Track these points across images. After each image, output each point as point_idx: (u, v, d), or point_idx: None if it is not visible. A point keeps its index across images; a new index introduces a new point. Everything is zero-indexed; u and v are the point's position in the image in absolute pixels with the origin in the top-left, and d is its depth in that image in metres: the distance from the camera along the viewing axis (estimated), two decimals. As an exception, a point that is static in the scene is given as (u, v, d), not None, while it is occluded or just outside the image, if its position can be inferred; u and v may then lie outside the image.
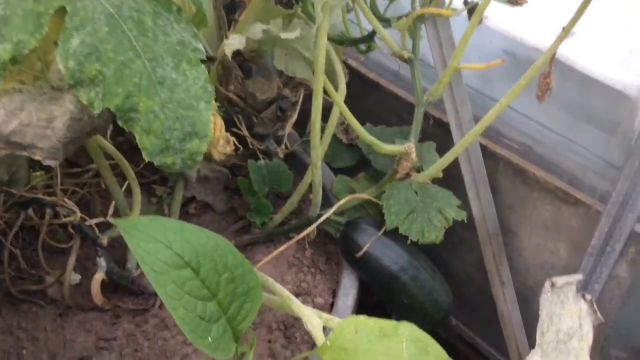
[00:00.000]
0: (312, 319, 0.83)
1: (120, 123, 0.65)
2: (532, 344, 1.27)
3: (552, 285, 0.76)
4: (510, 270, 1.22)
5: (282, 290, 0.89)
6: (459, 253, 1.35)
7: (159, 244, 0.69)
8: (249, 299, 0.78)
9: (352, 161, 1.23)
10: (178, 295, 0.69)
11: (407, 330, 0.79)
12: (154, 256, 0.68)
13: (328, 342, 0.79)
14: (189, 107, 0.66)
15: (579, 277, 0.80)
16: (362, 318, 0.80)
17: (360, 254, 0.99)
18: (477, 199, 1.16)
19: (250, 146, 1.21)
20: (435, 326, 1.02)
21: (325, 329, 0.85)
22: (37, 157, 0.64)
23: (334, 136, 1.25)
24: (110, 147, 0.94)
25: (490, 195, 1.16)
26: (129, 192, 1.02)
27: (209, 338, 0.72)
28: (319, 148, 0.92)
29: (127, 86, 0.63)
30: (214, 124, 1.04)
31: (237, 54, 1.13)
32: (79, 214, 0.93)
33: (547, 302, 0.75)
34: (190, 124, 0.67)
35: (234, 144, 1.11)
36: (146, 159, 0.66)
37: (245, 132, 1.20)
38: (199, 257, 0.73)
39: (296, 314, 0.87)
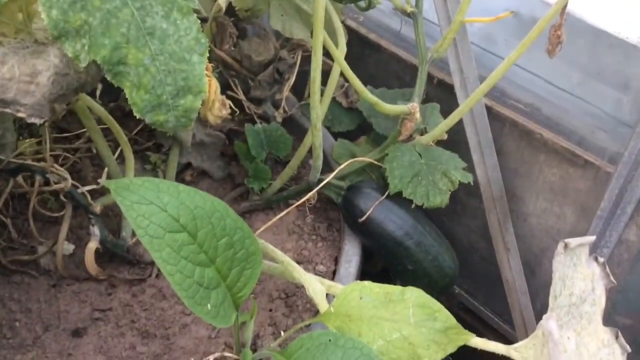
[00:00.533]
0: (315, 285, 0.80)
1: (108, 77, 0.61)
2: (537, 311, 1.27)
3: (565, 246, 0.72)
4: (515, 237, 1.19)
5: (283, 256, 0.85)
6: (462, 220, 1.32)
7: (153, 206, 0.65)
8: (248, 265, 0.74)
9: (353, 125, 1.18)
10: (174, 260, 0.66)
11: (414, 295, 0.76)
12: (147, 219, 0.64)
13: (332, 309, 0.76)
14: (182, 60, 0.62)
15: (591, 238, 0.77)
16: (367, 284, 0.77)
17: (362, 219, 0.96)
18: (482, 163, 1.12)
19: (247, 110, 1.17)
20: (440, 293, 0.99)
21: (328, 297, 0.82)
22: (21, 115, 0.60)
23: (334, 100, 1.21)
24: (100, 110, 0.90)
25: (496, 158, 1.13)
26: (122, 159, 0.98)
27: (208, 305, 0.69)
28: (318, 108, 0.88)
29: (115, 37, 0.59)
30: (209, 85, 1.00)
31: (231, 14, 1.08)
32: (70, 181, 0.89)
33: (560, 264, 0.72)
34: (183, 78, 0.62)
35: (230, 108, 1.07)
36: (137, 116, 0.62)
37: (242, 96, 1.16)
38: (195, 221, 0.69)
39: (297, 282, 0.84)
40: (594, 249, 1.06)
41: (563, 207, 1.13)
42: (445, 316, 0.75)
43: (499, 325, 1.37)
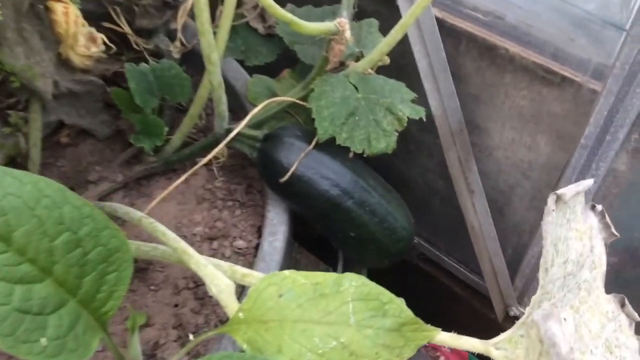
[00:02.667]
0: (218, 280, 0.58)
1: None
2: (508, 256, 1.09)
3: (558, 200, 0.51)
4: (479, 175, 0.99)
5: (175, 241, 0.63)
6: (417, 160, 1.12)
7: None
8: (111, 266, 0.51)
9: (272, 56, 0.93)
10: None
11: (354, 283, 0.55)
12: None
13: (241, 314, 0.54)
14: None
15: (589, 183, 0.56)
16: (289, 274, 0.55)
17: (285, 177, 0.73)
18: (436, 91, 0.91)
19: (135, 46, 0.90)
20: (393, 260, 0.78)
21: (245, 291, 0.60)
22: None
23: (247, 25, 0.96)
24: None
25: (452, 84, 0.92)
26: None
27: (43, 340, 0.46)
28: (209, 33, 0.63)
29: None
30: (65, 14, 0.74)
31: None
32: None
33: (552, 225, 0.51)
34: None
35: (108, 44, 0.81)
36: None
37: (126, 27, 0.89)
38: (6, 216, 0.45)
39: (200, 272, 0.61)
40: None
41: (535, 136, 0.94)
42: (397, 309, 0.54)
43: (465, 276, 1.21)
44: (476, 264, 1.18)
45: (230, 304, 0.56)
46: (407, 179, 1.17)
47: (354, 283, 0.54)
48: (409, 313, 0.54)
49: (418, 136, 1.09)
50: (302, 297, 0.54)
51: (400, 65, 0.93)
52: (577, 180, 0.87)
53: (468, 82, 0.96)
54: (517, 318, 1.13)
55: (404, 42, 0.87)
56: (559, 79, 0.84)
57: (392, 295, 0.54)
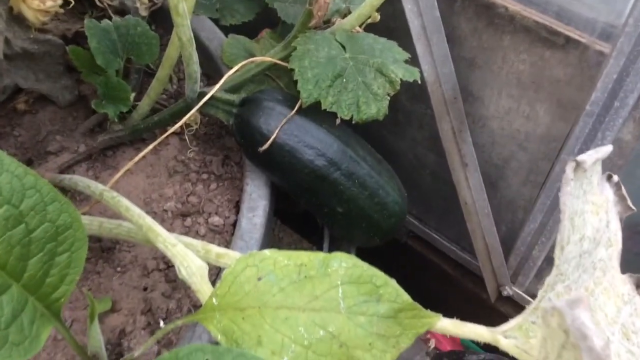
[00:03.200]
0: (188, 260, 0.51)
1: None
2: (502, 234, 1.04)
3: (577, 167, 0.45)
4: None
5: (141, 217, 0.55)
6: (406, 132, 1.06)
7: None
8: (62, 247, 0.44)
9: (250, 15, 0.85)
10: None
11: (344, 265, 0.48)
12: None
13: (214, 300, 0.47)
14: None
15: (608, 149, 0.50)
16: (269, 254, 0.48)
17: (265, 146, 0.65)
18: (429, 54, 0.84)
19: (98, 3, 0.82)
20: (384, 238, 0.72)
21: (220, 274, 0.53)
22: None
23: (223, -19, 0.87)
24: None
25: (447, 46, 0.84)
26: None
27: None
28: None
29: None
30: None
31: None
32: None
33: (570, 197, 0.45)
34: None
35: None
36: None
37: (87, -18, 0.80)
38: None
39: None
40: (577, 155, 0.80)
41: (534, 104, 0.87)
42: (393, 293, 0.47)
43: (456, 255, 1.15)
44: (468, 242, 1.13)
45: (202, 289, 0.49)
46: (395, 152, 1.10)
47: (344, 264, 0.48)
48: (406, 297, 0.47)
49: (407, 106, 1.03)
50: (284, 280, 0.47)
51: (390, 28, 0.86)
52: (580, 151, 0.81)
53: (462, 45, 0.89)
54: (510, 298, 1.08)
55: (394, 0, 0.79)
56: (562, 41, 0.78)
57: (387, 278, 0.47)
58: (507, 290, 1.06)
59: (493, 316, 1.15)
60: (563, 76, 0.81)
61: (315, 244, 1.18)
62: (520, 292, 1.06)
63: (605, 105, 0.74)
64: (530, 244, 0.98)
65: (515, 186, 0.99)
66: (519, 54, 0.84)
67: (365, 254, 0.72)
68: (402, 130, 1.08)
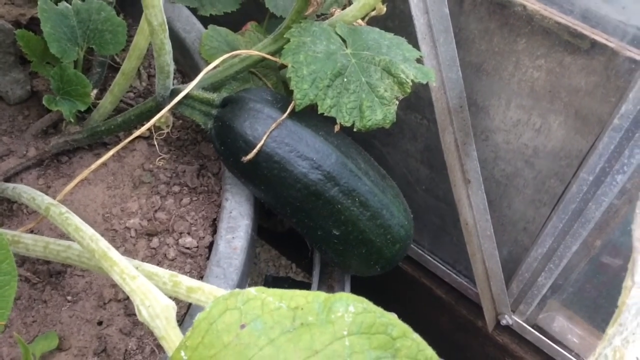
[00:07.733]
0: (151, 298, 0.40)
1: None
2: (503, 258, 0.95)
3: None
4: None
5: (92, 239, 0.44)
6: (399, 143, 0.98)
7: None
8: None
9: (234, 4, 0.75)
10: None
11: (351, 309, 0.37)
12: None
13: (183, 354, 0.36)
14: None
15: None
16: (255, 293, 0.37)
17: (250, 156, 0.54)
18: (434, 56, 0.75)
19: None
20: (386, 267, 0.61)
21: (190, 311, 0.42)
22: None
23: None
24: None
25: (455, 48, 0.75)
26: None
27: None
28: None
29: None
30: None
31: None
32: None
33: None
34: None
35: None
36: None
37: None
38: None
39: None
40: (600, 176, 0.72)
41: (547, 116, 0.79)
42: (413, 347, 0.37)
43: (451, 279, 1.07)
44: (464, 265, 1.04)
45: (168, 336, 0.38)
46: (386, 165, 1.01)
47: (352, 308, 0.37)
48: (429, 353, 0.37)
49: (401, 115, 0.94)
50: (275, 328, 0.37)
51: (388, 28, 0.77)
52: (603, 170, 0.72)
53: (470, 49, 0.81)
54: (509, 328, 0.99)
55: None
56: (587, 45, 0.70)
57: (406, 327, 0.37)
58: (507, 319, 0.98)
59: (487, 346, 1.07)
60: (585, 85, 0.73)
61: (304, 270, 1.06)
62: (521, 322, 0.98)
63: (636, 120, 0.66)
64: (536, 271, 0.90)
65: (519, 206, 0.91)
66: (534, 60, 0.75)
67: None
68: (395, 141, 0.99)
